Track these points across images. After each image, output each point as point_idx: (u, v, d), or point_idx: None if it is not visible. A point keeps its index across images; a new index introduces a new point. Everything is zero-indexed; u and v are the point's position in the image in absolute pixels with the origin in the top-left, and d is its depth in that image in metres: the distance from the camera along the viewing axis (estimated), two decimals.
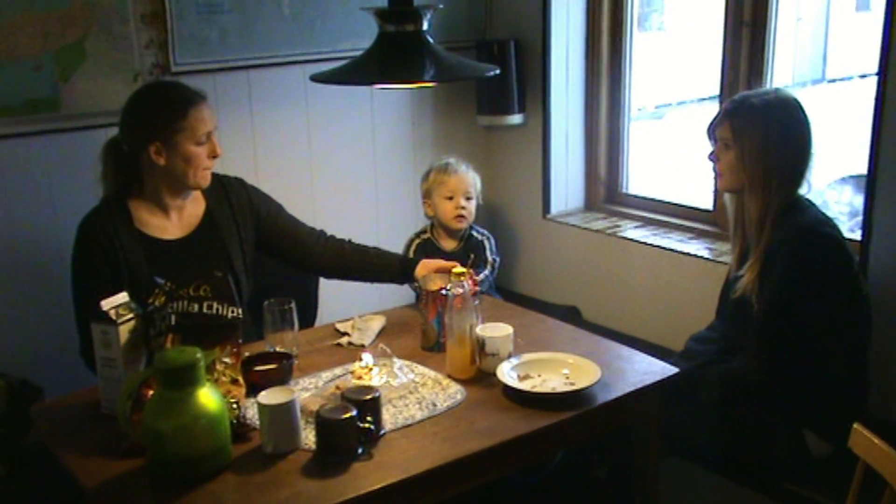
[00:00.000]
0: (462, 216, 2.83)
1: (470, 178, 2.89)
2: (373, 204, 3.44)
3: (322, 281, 2.75)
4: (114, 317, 1.86)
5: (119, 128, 2.23)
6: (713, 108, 3.04)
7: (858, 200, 3.14)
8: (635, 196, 3.48)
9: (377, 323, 2.36)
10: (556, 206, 3.55)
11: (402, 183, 3.46)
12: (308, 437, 1.77)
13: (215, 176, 2.32)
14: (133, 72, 2.74)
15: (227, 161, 2.93)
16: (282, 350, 2.10)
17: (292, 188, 3.15)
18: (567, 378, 1.99)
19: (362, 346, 2.24)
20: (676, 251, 3.04)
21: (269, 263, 2.55)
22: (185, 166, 2.18)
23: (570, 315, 3.38)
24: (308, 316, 2.72)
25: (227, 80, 2.97)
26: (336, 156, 3.31)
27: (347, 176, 3.36)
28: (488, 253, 2.82)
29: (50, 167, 2.68)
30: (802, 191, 2.20)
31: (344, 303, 2.88)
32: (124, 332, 1.86)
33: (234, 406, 1.81)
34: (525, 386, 1.95)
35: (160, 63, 2.79)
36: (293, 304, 2.14)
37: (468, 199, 2.85)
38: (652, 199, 3.41)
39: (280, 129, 3.15)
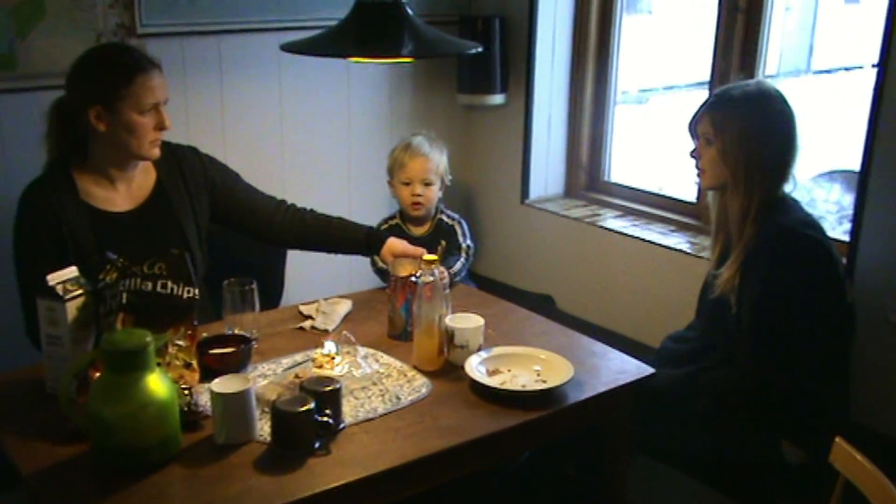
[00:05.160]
0: (419, 203, 2.71)
1: (431, 163, 2.73)
2: (345, 181, 3.35)
3: (289, 259, 2.67)
4: (61, 292, 1.76)
5: (65, 86, 2.12)
6: (701, 95, 2.97)
7: (847, 200, 3.08)
8: (617, 184, 3.41)
9: (343, 307, 2.26)
10: (535, 191, 3.48)
11: (377, 160, 3.34)
12: (263, 428, 1.68)
13: (167, 144, 2.21)
14: (95, 32, 2.63)
15: (194, 130, 2.83)
16: (241, 333, 2.00)
17: (262, 161, 3.06)
18: (538, 375, 1.91)
19: (326, 331, 2.15)
20: (656, 244, 2.98)
21: (233, 239, 2.46)
22: (127, 136, 2.08)
23: (545, 304, 3.32)
24: (273, 295, 2.63)
25: (196, 45, 2.86)
26: (309, 129, 3.22)
27: (320, 151, 3.27)
28: (460, 238, 2.70)
29: (3, 128, 2.57)
30: (788, 188, 2.14)
31: (311, 283, 2.79)
32: (72, 308, 1.76)
33: (186, 392, 1.71)
34: (494, 381, 1.87)
35: (125, 24, 2.68)
36: (254, 285, 2.05)
37: (427, 185, 2.72)
38: (634, 189, 3.34)
39: (251, 99, 3.05)
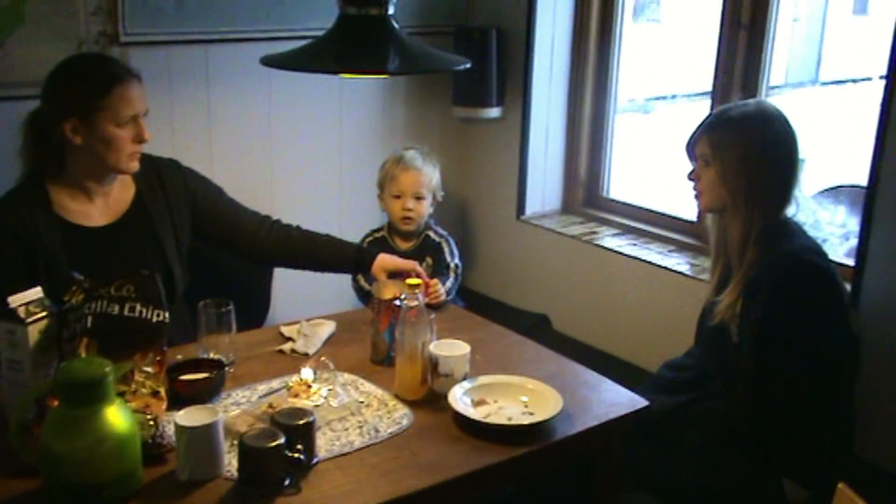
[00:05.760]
0: (409, 218, 2.63)
1: (424, 177, 2.67)
2: (336, 195, 3.26)
3: (277, 276, 2.59)
4: (23, 315, 1.66)
5: (40, 98, 2.05)
6: (704, 105, 2.89)
7: (853, 222, 2.97)
8: (616, 201, 3.31)
9: (325, 329, 2.17)
10: (532, 206, 3.37)
11: (369, 174, 3.25)
12: (232, 462, 1.58)
13: (147, 157, 2.14)
14: (77, 40, 2.53)
15: (179, 142, 2.75)
16: (216, 357, 1.91)
17: (250, 174, 2.97)
18: (526, 407, 1.82)
19: (306, 354, 2.06)
20: (655, 264, 2.88)
21: (218, 254, 2.38)
22: (104, 149, 2.01)
23: (540, 324, 3.21)
24: (258, 312, 2.55)
25: (182, 55, 2.76)
26: (299, 142, 3.12)
27: (310, 164, 3.18)
28: (447, 256, 2.62)
29: None
30: (790, 210, 2.05)
31: (300, 300, 2.71)
32: (34, 332, 1.67)
33: (151, 423, 1.62)
34: (479, 413, 1.78)
35: (107, 32, 2.58)
36: (231, 307, 1.96)
37: (418, 199, 2.64)
38: (633, 206, 3.24)
39: (239, 111, 2.95)
